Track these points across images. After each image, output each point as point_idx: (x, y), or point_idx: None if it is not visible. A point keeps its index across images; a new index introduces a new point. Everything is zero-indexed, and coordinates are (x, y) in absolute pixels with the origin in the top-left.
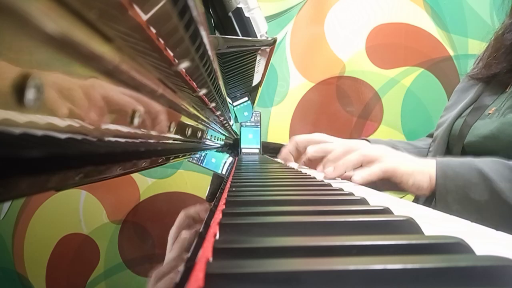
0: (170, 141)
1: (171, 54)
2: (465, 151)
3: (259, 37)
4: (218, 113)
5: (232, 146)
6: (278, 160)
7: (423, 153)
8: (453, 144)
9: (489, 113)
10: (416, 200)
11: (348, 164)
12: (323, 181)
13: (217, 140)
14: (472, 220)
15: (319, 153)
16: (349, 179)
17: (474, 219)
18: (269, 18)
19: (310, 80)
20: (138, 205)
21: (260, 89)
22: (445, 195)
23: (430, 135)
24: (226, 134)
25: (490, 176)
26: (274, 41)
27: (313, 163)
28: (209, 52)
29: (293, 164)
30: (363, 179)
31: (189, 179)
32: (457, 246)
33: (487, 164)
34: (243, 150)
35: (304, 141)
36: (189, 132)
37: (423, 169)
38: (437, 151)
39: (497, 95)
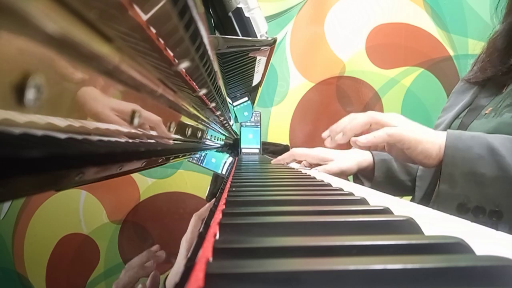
0: (170, 141)
1: (171, 54)
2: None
3: (259, 37)
4: (218, 113)
5: (232, 146)
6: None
7: None
8: None
9: (486, 113)
10: (412, 199)
11: (356, 126)
12: (323, 181)
13: (217, 140)
14: (475, 196)
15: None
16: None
17: (477, 196)
18: (269, 18)
19: (310, 80)
20: (138, 205)
21: (260, 89)
22: (452, 167)
23: None
24: (226, 134)
25: (500, 151)
26: (274, 41)
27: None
28: (209, 52)
29: (293, 164)
30: (368, 141)
31: (189, 179)
32: (457, 246)
33: (499, 140)
34: (243, 150)
35: (302, 155)
36: (189, 132)
37: (433, 138)
38: None
39: (493, 96)
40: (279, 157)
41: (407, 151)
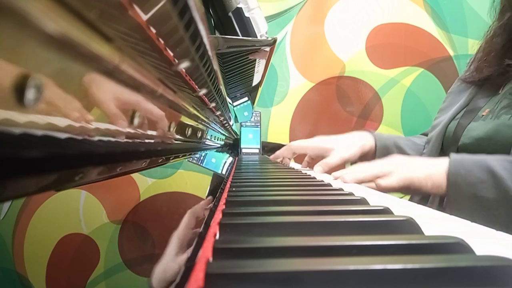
0: (170, 141)
1: (171, 54)
2: (460, 153)
3: (259, 37)
4: (218, 113)
5: (232, 146)
6: (278, 160)
7: (421, 150)
8: (448, 146)
9: (483, 115)
10: (411, 199)
11: (363, 176)
12: (323, 181)
13: (217, 140)
14: (485, 221)
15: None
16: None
17: (486, 221)
18: (269, 18)
19: (310, 80)
20: (138, 205)
21: (260, 89)
22: (456, 193)
23: (425, 134)
24: (226, 134)
25: (500, 174)
26: (274, 41)
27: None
28: (209, 52)
29: (293, 164)
30: (381, 189)
31: (189, 179)
32: (457, 246)
33: (499, 162)
34: (243, 150)
35: (302, 148)
36: (189, 132)
37: (439, 169)
38: (432, 152)
39: (489, 97)
40: (277, 152)
41: (420, 190)
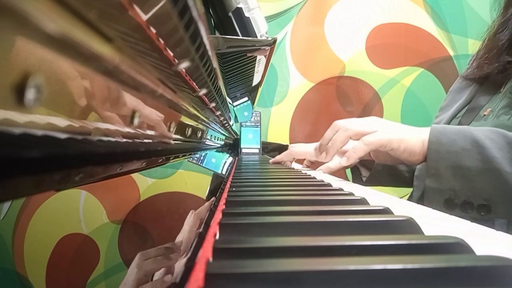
0: (170, 141)
1: (171, 54)
2: None
3: (259, 37)
4: (218, 113)
5: (232, 146)
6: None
7: None
8: None
9: (484, 115)
10: (410, 198)
11: (336, 144)
12: (323, 181)
13: (217, 140)
14: (461, 190)
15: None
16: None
17: (463, 189)
18: (269, 18)
19: (310, 80)
20: (138, 205)
21: (260, 89)
22: (437, 162)
23: None
24: (226, 134)
25: (484, 143)
26: (274, 41)
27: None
28: (209, 52)
29: (293, 164)
30: (350, 158)
31: (189, 179)
32: (457, 246)
33: (483, 132)
34: (243, 150)
35: (301, 153)
36: (189, 132)
37: (415, 134)
38: None
39: (491, 96)
40: (278, 157)
41: (391, 152)
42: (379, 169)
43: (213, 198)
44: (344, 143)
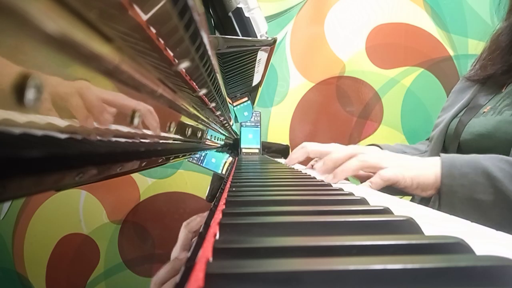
0: (170, 141)
1: (171, 54)
2: (461, 149)
3: (259, 37)
4: (218, 113)
5: (232, 146)
6: (278, 160)
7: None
8: (449, 143)
9: (484, 112)
10: (413, 199)
11: (348, 172)
12: (323, 181)
13: (217, 140)
14: (478, 221)
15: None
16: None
17: (480, 220)
18: (269, 18)
19: (310, 80)
20: (138, 205)
21: (260, 89)
22: (451, 196)
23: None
24: (226, 134)
25: (495, 175)
26: (274, 41)
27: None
28: (209, 52)
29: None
30: (377, 183)
31: (189, 179)
32: (457, 246)
33: (493, 162)
34: (243, 150)
35: (316, 152)
36: (189, 132)
37: (427, 170)
38: (433, 150)
39: (492, 95)
40: (293, 156)
41: (404, 190)
42: None
43: (206, 213)
44: (355, 172)
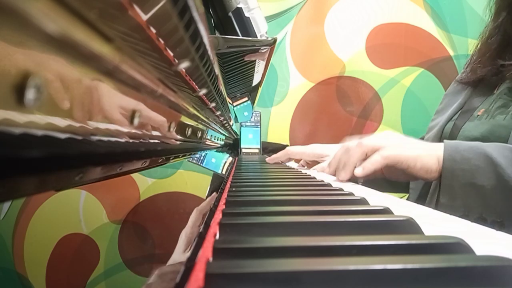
0: (170, 141)
1: (171, 54)
2: None
3: (259, 37)
4: (218, 113)
5: (232, 146)
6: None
7: None
8: None
9: (478, 115)
10: (408, 199)
11: (353, 160)
12: (323, 181)
13: (217, 140)
14: (477, 208)
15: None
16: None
17: (479, 208)
18: (269, 18)
19: (310, 80)
20: (138, 205)
21: (260, 89)
22: (451, 180)
23: (422, 139)
24: (226, 134)
25: (498, 161)
26: (274, 41)
27: (309, 166)
28: (209, 52)
29: (293, 164)
30: (366, 169)
31: (189, 179)
32: (457, 246)
33: (496, 149)
34: (243, 150)
35: (297, 153)
36: (189, 132)
37: (430, 152)
38: None
39: (485, 97)
40: (274, 156)
41: (407, 170)
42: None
43: (214, 194)
44: (360, 159)
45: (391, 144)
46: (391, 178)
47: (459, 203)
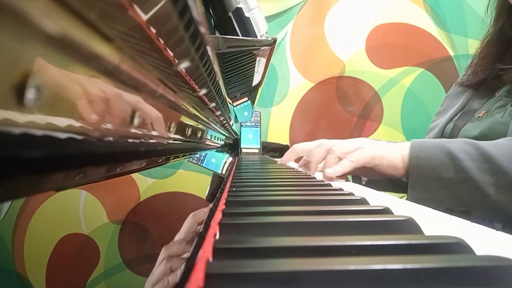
0: (170, 141)
1: (171, 54)
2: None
3: (259, 37)
4: (218, 113)
5: (232, 146)
6: (278, 160)
7: None
8: None
9: (479, 116)
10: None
11: (315, 159)
12: (323, 181)
13: (217, 140)
14: (449, 201)
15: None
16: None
17: (451, 201)
18: (269, 18)
19: (310, 80)
20: (138, 205)
21: (260, 89)
22: (418, 176)
23: None
24: (226, 134)
25: (458, 155)
26: (274, 41)
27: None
28: (209, 52)
29: (292, 164)
30: (335, 171)
31: (189, 179)
32: (457, 246)
33: (457, 144)
34: (243, 150)
35: (306, 150)
36: (189, 132)
37: (396, 151)
38: None
39: (485, 99)
40: (284, 158)
41: (376, 168)
42: None
43: (210, 205)
44: (322, 157)
45: (359, 146)
46: (369, 177)
47: (428, 196)
